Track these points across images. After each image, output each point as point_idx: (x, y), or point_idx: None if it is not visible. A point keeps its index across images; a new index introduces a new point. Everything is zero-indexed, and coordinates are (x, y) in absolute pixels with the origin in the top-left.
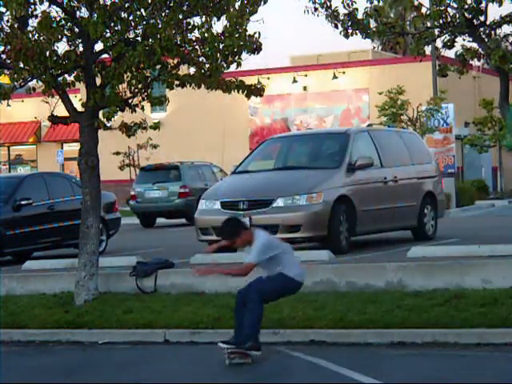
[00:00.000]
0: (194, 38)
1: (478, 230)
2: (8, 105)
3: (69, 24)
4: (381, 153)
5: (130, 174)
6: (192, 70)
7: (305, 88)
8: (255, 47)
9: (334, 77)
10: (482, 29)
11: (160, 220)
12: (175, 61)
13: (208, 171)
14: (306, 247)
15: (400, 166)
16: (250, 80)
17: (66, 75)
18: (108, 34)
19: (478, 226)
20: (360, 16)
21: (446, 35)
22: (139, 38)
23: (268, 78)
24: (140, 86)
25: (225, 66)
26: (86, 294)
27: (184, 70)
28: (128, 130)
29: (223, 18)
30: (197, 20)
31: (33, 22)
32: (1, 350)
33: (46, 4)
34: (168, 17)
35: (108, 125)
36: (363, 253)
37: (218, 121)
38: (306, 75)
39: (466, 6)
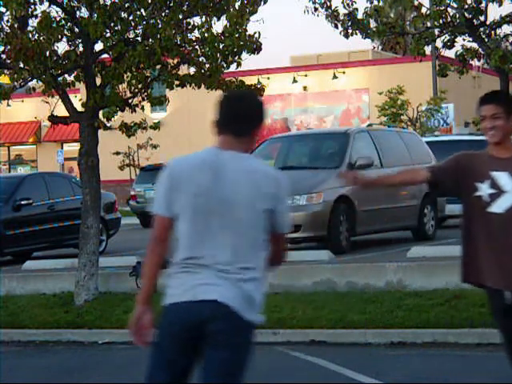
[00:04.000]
0: (193, 38)
1: None
2: (8, 105)
3: (69, 24)
4: (381, 153)
5: (130, 174)
6: (192, 70)
7: (305, 88)
8: (255, 47)
9: (334, 77)
10: (482, 29)
11: None
12: (175, 61)
13: None
14: (306, 247)
15: (400, 165)
16: (250, 80)
17: (66, 75)
18: (108, 34)
19: None
20: (360, 16)
21: (446, 35)
22: (139, 38)
23: (268, 78)
24: (140, 86)
25: (225, 66)
26: (86, 294)
27: (184, 70)
28: (128, 129)
29: (223, 17)
30: (197, 20)
31: (33, 22)
32: (1, 350)
33: (46, 4)
34: (168, 17)
35: (108, 125)
36: (363, 253)
37: None
38: (306, 75)
39: (466, 6)
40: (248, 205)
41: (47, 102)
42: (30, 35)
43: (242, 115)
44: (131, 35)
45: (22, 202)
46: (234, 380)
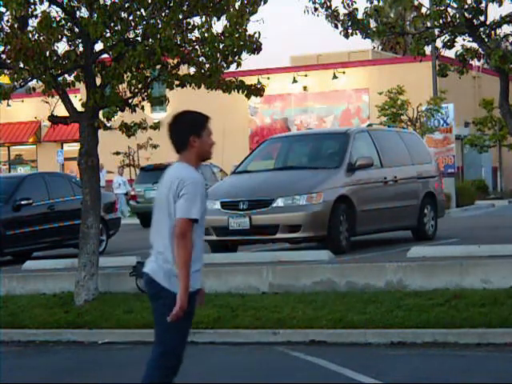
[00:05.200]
0: (193, 38)
1: (477, 229)
2: (8, 105)
3: (69, 24)
4: (381, 153)
5: (130, 174)
6: (192, 70)
7: (305, 88)
8: (255, 47)
9: (334, 77)
10: (482, 29)
11: None
12: (175, 61)
13: (208, 171)
14: (306, 247)
15: (400, 165)
16: (250, 80)
17: (66, 75)
18: (108, 34)
19: (478, 226)
20: (360, 16)
21: (446, 35)
22: (139, 38)
23: (268, 78)
24: (140, 85)
25: (225, 66)
26: (86, 294)
27: (184, 70)
28: (128, 129)
29: (223, 17)
30: (197, 20)
31: (33, 22)
32: (1, 350)
33: (46, 4)
34: (168, 17)
35: (108, 125)
36: (363, 253)
37: (218, 121)
38: (306, 75)
39: (466, 6)
40: (164, 201)
41: (47, 102)
42: (30, 35)
43: (171, 137)
44: (131, 35)
45: (22, 202)
46: (161, 326)
